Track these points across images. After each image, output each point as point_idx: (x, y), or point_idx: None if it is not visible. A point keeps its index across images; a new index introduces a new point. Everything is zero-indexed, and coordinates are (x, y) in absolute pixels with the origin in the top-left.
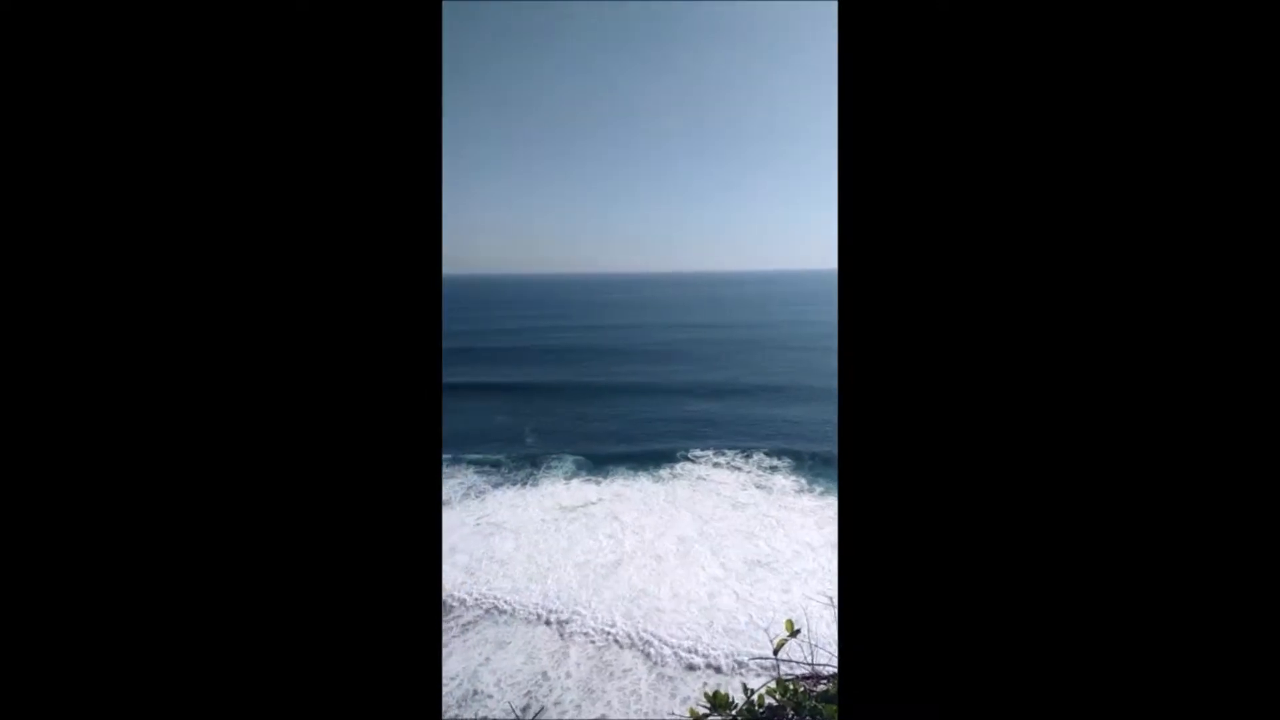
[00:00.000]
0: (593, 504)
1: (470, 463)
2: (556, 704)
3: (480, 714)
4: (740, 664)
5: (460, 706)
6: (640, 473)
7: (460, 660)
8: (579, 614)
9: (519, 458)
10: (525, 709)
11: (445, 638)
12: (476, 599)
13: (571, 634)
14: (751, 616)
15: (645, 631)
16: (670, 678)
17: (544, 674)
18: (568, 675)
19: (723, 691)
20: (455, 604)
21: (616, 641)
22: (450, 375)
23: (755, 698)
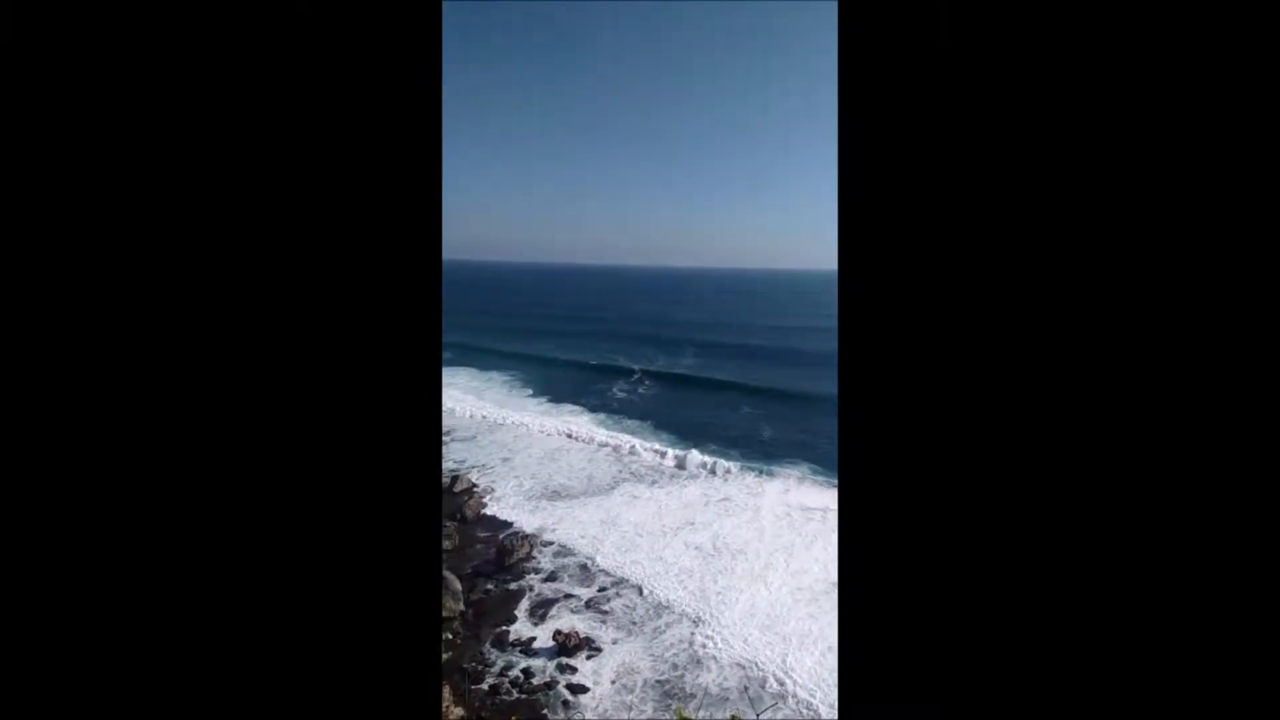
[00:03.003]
0: (823, 510)
1: (715, 449)
2: (781, 685)
3: (700, 680)
4: None
5: (687, 668)
6: None
7: (682, 628)
8: (799, 629)
9: (757, 453)
10: (745, 689)
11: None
12: (702, 584)
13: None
14: None
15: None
16: None
17: (759, 659)
18: (786, 673)
19: None
20: (683, 578)
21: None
22: (715, 372)
23: None
